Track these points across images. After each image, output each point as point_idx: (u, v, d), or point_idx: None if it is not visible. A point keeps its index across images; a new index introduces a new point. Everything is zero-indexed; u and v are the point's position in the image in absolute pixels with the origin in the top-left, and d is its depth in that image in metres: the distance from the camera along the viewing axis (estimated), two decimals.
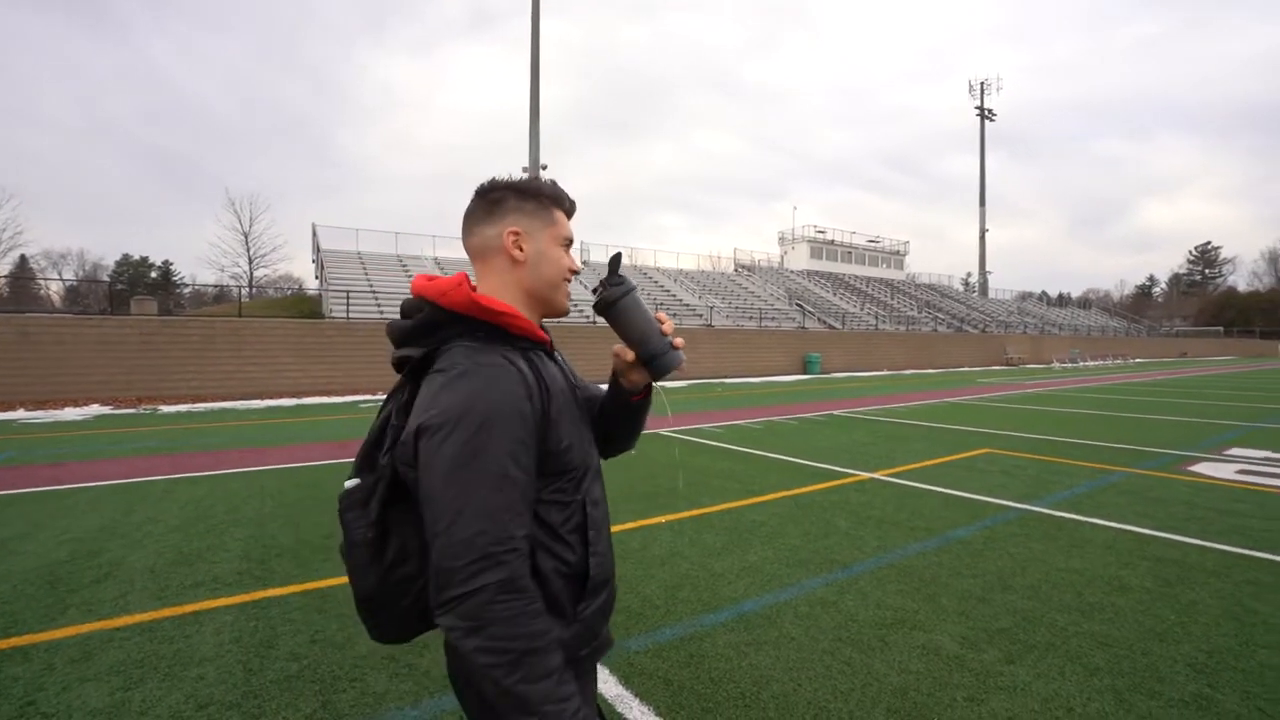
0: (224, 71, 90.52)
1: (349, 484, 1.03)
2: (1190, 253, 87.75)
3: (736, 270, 39.75)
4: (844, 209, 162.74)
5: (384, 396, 1.24)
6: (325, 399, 14.79)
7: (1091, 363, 35.76)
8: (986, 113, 51.10)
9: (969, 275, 57.99)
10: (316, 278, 25.59)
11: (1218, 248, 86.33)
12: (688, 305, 27.66)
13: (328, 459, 7.17)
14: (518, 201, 1.07)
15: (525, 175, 1.18)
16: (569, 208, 1.12)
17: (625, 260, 34.06)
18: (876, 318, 34.27)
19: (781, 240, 46.35)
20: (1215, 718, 2.25)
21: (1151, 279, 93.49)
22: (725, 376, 22.16)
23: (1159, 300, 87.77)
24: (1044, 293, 74.32)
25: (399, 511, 1.00)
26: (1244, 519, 4.68)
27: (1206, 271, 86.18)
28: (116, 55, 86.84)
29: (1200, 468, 6.57)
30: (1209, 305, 75.73)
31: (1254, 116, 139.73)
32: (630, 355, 1.09)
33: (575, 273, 1.13)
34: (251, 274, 41.63)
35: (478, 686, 0.88)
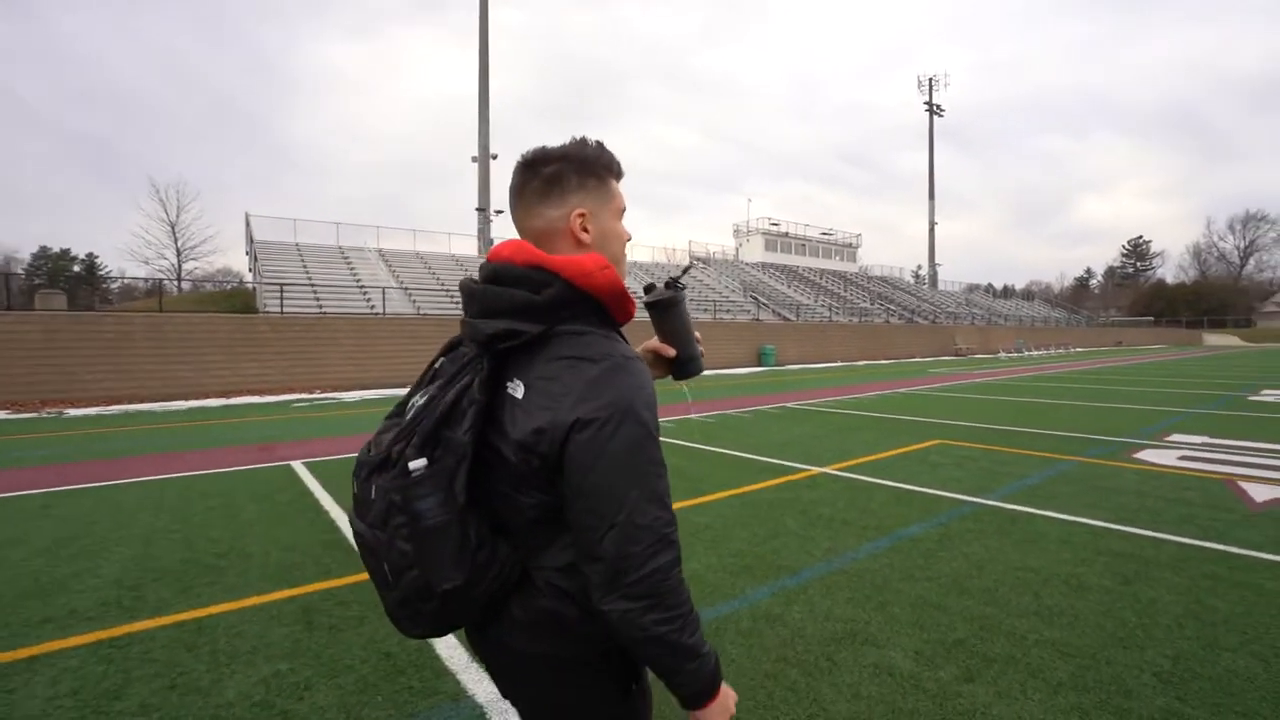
0: (147, 50, 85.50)
1: (416, 464, 0.90)
2: (1124, 246, 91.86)
3: (693, 262, 39.64)
4: (798, 202, 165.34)
5: (321, 394, 1.08)
6: (257, 398, 13.94)
7: (1036, 352, 36.97)
8: (935, 108, 52.26)
9: (919, 267, 59.48)
10: (250, 270, 24.32)
11: (1148, 242, 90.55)
12: (643, 298, 27.35)
13: (246, 464, 6.58)
14: (579, 179, 1.01)
15: (577, 140, 1.04)
16: (622, 173, 1.07)
17: None
18: (830, 309, 34.62)
19: (736, 233, 46.46)
20: None
21: (1089, 271, 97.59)
22: None
23: (1095, 291, 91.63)
24: (990, 284, 76.68)
25: (478, 494, 0.95)
26: (1192, 508, 4.61)
27: (1138, 264, 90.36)
28: (15, 28, 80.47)
29: (1145, 455, 6.58)
30: (1141, 296, 79.45)
31: (1177, 118, 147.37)
32: (670, 352, 1.16)
33: (628, 240, 1.10)
34: (180, 267, 39.37)
35: (644, 654, 0.91)
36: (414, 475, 0.90)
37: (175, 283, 34.90)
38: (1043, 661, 2.49)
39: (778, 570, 3.50)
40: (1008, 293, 75.41)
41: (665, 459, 0.92)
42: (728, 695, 0.96)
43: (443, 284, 23.73)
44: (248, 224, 25.19)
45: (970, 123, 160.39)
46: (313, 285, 20.66)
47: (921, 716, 2.15)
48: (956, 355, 33.96)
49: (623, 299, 0.97)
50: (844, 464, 6.23)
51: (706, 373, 21.58)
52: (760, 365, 24.74)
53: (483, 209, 21.24)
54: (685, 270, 1.24)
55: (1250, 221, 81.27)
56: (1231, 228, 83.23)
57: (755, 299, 32.86)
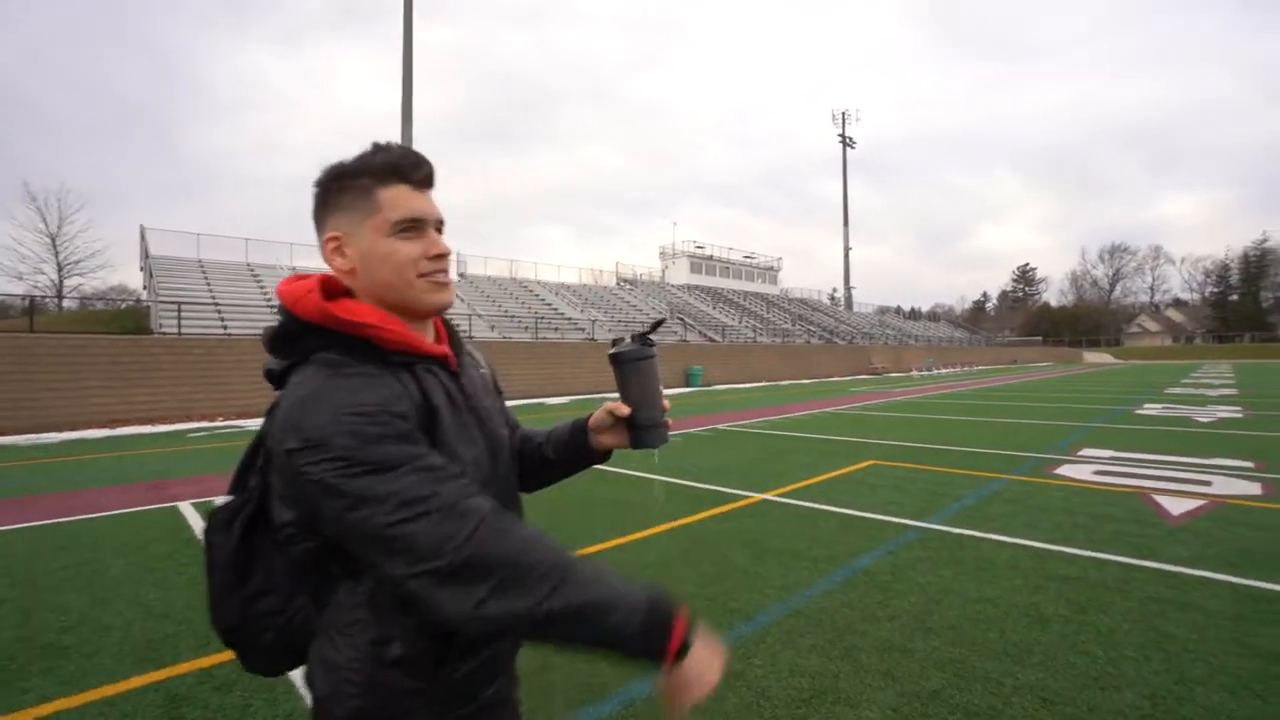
0: (27, 44, 77.84)
1: (219, 501, 0.95)
2: (1014, 272, 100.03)
3: (619, 284, 39.59)
4: (722, 226, 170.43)
5: (225, 422, 1.29)
6: (148, 428, 12.49)
7: (944, 370, 39.12)
8: (848, 140, 55.11)
9: (835, 290, 62.08)
10: (144, 287, 22.12)
11: (1034, 268, 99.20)
12: (570, 319, 26.95)
13: (124, 506, 5.69)
14: (336, 197, 0.89)
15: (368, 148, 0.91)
16: (413, 175, 0.89)
17: (505, 274, 32.88)
18: (754, 330, 35.37)
19: (663, 255, 46.93)
20: None
21: (985, 295, 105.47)
22: (609, 392, 21.48)
23: (991, 313, 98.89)
24: (899, 307, 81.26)
25: (265, 538, 0.91)
26: (1119, 524, 4.70)
27: (1026, 289, 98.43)
28: None
29: (1063, 470, 6.81)
30: (1029, 318, 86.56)
31: (1059, 157, 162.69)
32: (625, 412, 1.07)
33: (439, 256, 0.91)
34: (61, 283, 35.53)
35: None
36: (212, 510, 0.95)
37: (55, 300, 31.34)
38: (1026, 712, 2.31)
39: (732, 615, 3.21)
40: (915, 314, 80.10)
41: (438, 459, 0.82)
42: (704, 646, 0.82)
43: None
44: (143, 237, 22.97)
45: (881, 155, 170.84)
46: (217, 304, 19.00)
47: None
48: (873, 374, 35.40)
49: (351, 324, 0.85)
50: (784, 489, 6.07)
51: None
52: (688, 386, 24.81)
53: None
54: (656, 326, 1.10)
55: (1116, 252, 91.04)
56: (1101, 257, 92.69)
57: (682, 320, 33.12)
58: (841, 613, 3.21)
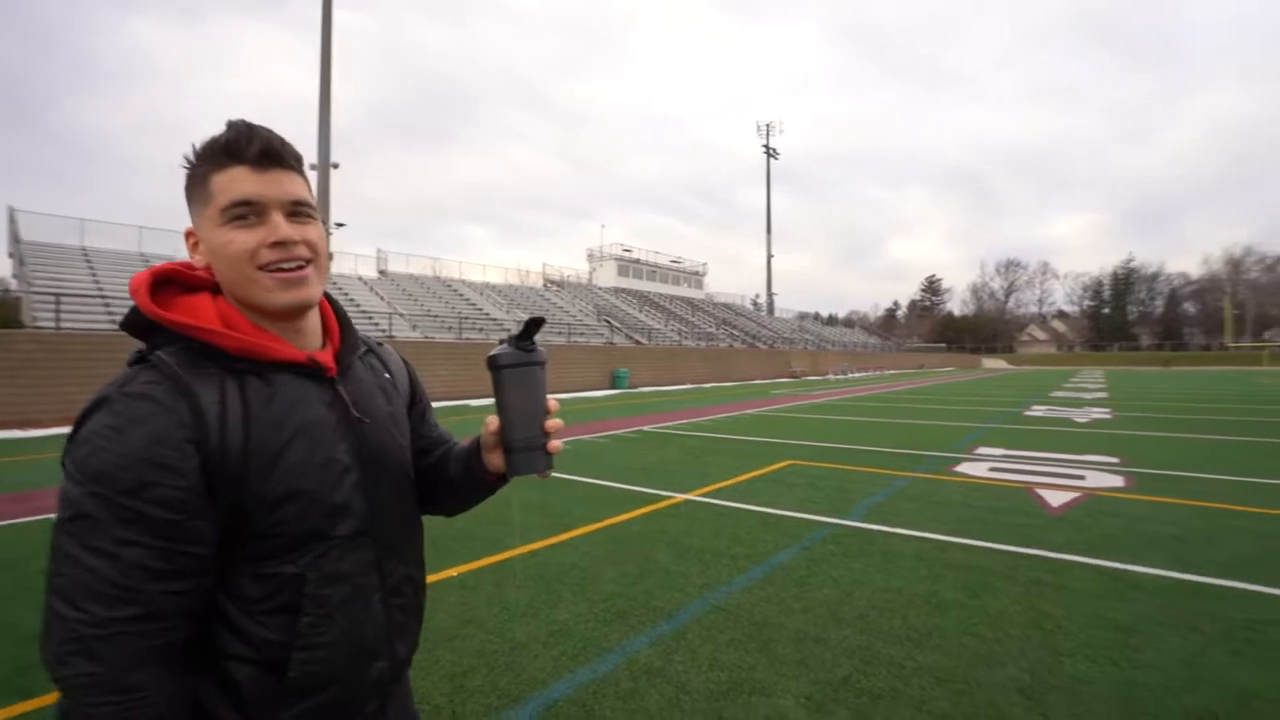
0: None
1: None
2: (922, 283, 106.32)
3: (545, 285, 39.24)
4: (650, 231, 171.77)
5: None
6: (18, 432, 11.29)
7: (858, 374, 41.08)
8: (772, 152, 57.01)
9: (757, 296, 63.96)
10: (14, 276, 20.00)
11: (940, 279, 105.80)
12: (495, 320, 26.48)
13: None
14: (188, 190, 0.82)
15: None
16: (244, 153, 0.79)
17: (428, 272, 31.87)
18: (679, 334, 35.92)
19: (590, 257, 46.88)
20: None
21: (896, 303, 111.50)
22: None
23: (901, 321, 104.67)
24: (818, 313, 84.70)
25: None
26: (1008, 516, 5.12)
27: (933, 299, 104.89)
28: None
29: (962, 468, 7.33)
30: (935, 326, 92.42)
31: (963, 176, 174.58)
32: (494, 427, 0.92)
33: (279, 243, 0.80)
34: None
35: None
36: None
37: None
38: (923, 692, 2.48)
39: (654, 614, 3.27)
40: (832, 321, 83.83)
41: (161, 535, 0.73)
42: None
43: None
44: (12, 221, 20.70)
45: (803, 167, 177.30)
46: (104, 297, 17.35)
47: None
48: (792, 377, 36.71)
49: (181, 325, 0.79)
50: (706, 489, 6.22)
51: (560, 395, 21.50)
52: (614, 388, 24.88)
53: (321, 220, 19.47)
54: (530, 326, 0.87)
55: (1010, 266, 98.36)
56: (998, 270, 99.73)
57: (608, 322, 33.18)
58: (759, 607, 3.34)
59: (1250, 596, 3.45)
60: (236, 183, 0.79)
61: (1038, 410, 14.89)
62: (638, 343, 31.13)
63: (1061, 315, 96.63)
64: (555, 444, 0.91)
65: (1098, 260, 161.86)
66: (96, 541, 0.70)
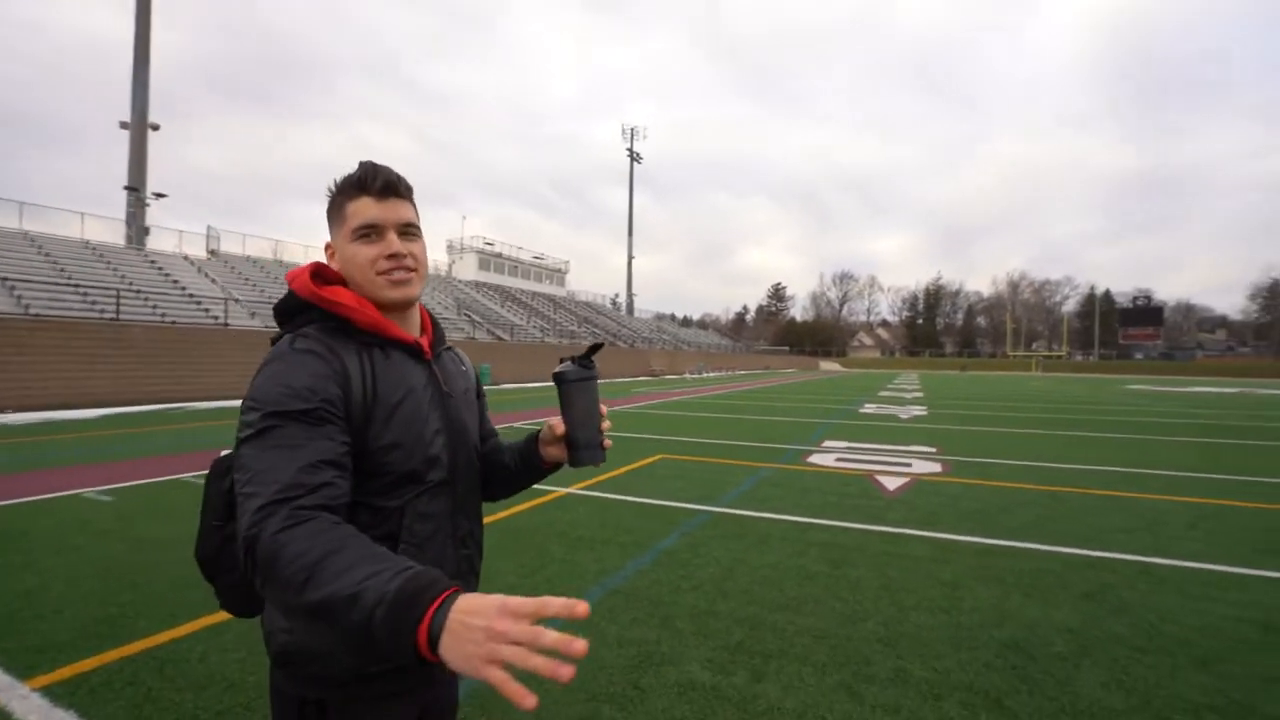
0: None
1: (224, 453, 1.07)
2: (769, 289, 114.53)
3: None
4: (512, 225, 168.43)
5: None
6: None
7: (712, 374, 43.40)
8: (635, 155, 58.34)
9: (616, 295, 65.20)
10: None
11: (784, 286, 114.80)
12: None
13: None
14: (328, 214, 1.07)
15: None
16: (371, 186, 1.03)
17: (268, 254, 28.97)
18: (541, 331, 35.73)
19: (450, 249, 45.13)
20: (912, 687, 2.54)
21: (745, 308, 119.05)
22: None
23: (750, 325, 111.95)
24: (674, 314, 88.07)
25: None
26: (856, 499, 5.85)
27: (778, 304, 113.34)
28: None
29: (813, 459, 8.17)
30: (779, 330, 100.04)
31: (803, 191, 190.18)
32: (560, 430, 1.13)
33: (393, 255, 1.03)
34: None
35: (316, 636, 0.95)
36: (215, 460, 1.10)
37: None
38: (805, 649, 2.86)
39: None
40: (688, 322, 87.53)
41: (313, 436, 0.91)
42: (467, 613, 0.66)
43: (69, 276, 17.91)
44: None
45: (664, 172, 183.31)
46: None
47: None
48: (652, 376, 37.96)
49: (330, 303, 1.01)
50: (586, 483, 6.40)
51: None
52: None
53: (135, 189, 16.86)
54: (592, 350, 1.14)
55: (844, 278, 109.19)
56: (834, 281, 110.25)
57: (469, 317, 32.18)
58: (653, 588, 3.59)
59: (1034, 553, 4.29)
60: (363, 209, 1.03)
61: (869, 408, 16.79)
62: (500, 339, 30.53)
63: (885, 324, 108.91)
64: (608, 442, 1.16)
65: (914, 276, 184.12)
66: (277, 442, 0.88)
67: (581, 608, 0.66)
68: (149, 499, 5.49)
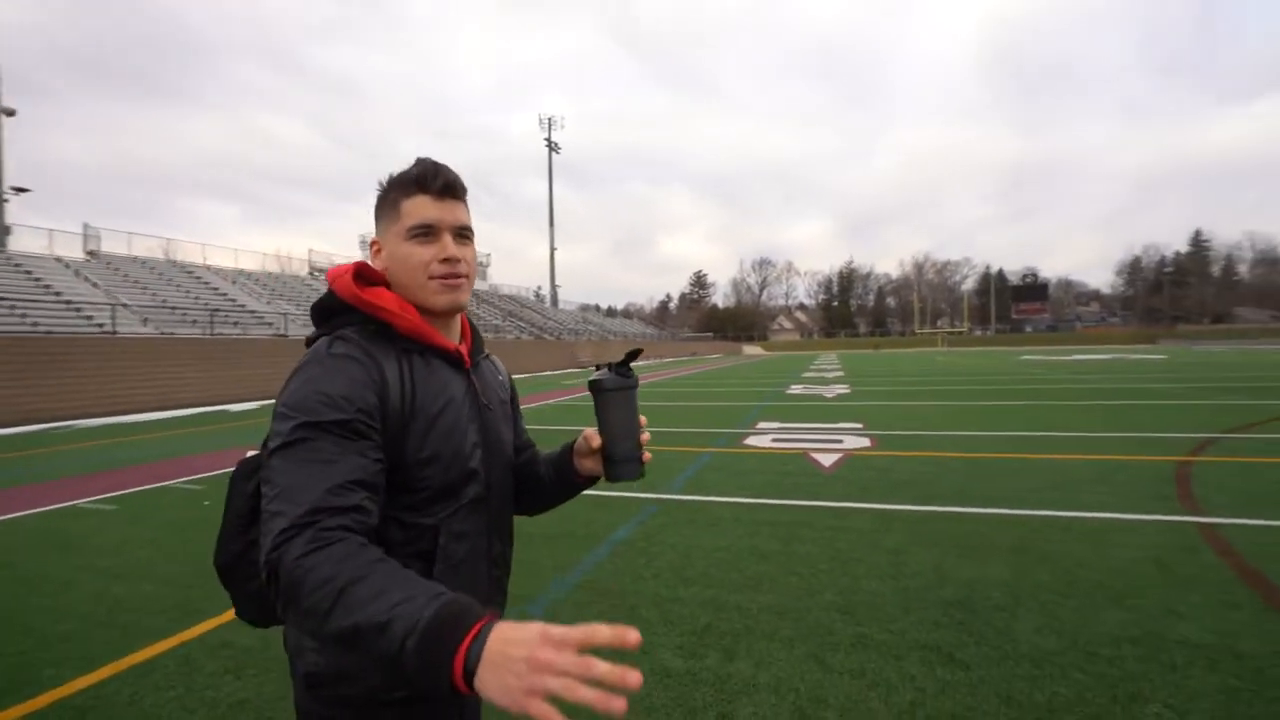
0: None
1: (250, 454, 1.02)
2: (691, 277, 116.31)
3: (312, 274, 35.19)
4: None
5: None
6: None
7: (639, 363, 43.63)
8: (553, 145, 57.53)
9: (539, 288, 64.34)
10: None
11: (706, 274, 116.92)
12: (255, 312, 23.10)
13: None
14: (378, 207, 1.03)
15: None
16: (430, 185, 0.99)
17: (162, 255, 26.74)
18: None
19: (363, 244, 43.03)
20: (874, 650, 2.67)
21: (669, 296, 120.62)
22: None
23: (673, 312, 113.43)
24: (598, 305, 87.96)
25: None
26: (795, 477, 6.07)
27: (700, 292, 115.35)
28: None
29: (750, 441, 8.40)
30: (703, 317, 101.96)
31: (723, 181, 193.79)
32: (597, 443, 1.09)
33: (449, 259, 0.99)
34: None
35: (348, 660, 0.90)
36: (240, 460, 1.03)
37: None
38: (770, 625, 2.95)
39: (519, 601, 3.34)
40: (612, 312, 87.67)
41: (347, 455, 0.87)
42: (508, 642, 0.63)
43: None
44: None
45: (582, 162, 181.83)
46: None
47: (712, 707, 2.32)
48: (579, 367, 37.78)
49: (373, 306, 0.97)
50: None
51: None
52: None
53: None
54: (631, 355, 1.06)
55: (763, 264, 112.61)
56: (753, 267, 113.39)
57: None
58: (615, 579, 3.60)
59: (964, 516, 4.60)
60: (420, 209, 0.99)
61: (796, 389, 17.40)
62: None
63: (802, 307, 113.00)
64: (648, 455, 1.10)
65: (828, 260, 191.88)
66: (308, 455, 0.83)
67: (633, 636, 0.63)
68: (34, 533, 4.97)
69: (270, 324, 22.37)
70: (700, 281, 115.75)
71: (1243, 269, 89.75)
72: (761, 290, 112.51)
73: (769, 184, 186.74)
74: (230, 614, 3.22)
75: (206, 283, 24.98)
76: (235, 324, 20.99)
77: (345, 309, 0.99)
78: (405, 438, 0.93)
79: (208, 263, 27.96)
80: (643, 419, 1.09)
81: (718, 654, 2.70)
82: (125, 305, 18.84)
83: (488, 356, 1.18)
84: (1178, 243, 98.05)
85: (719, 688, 2.44)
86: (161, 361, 15.97)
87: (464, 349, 1.07)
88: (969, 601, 3.14)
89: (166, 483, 6.59)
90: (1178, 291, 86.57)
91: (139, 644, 2.93)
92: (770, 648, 2.74)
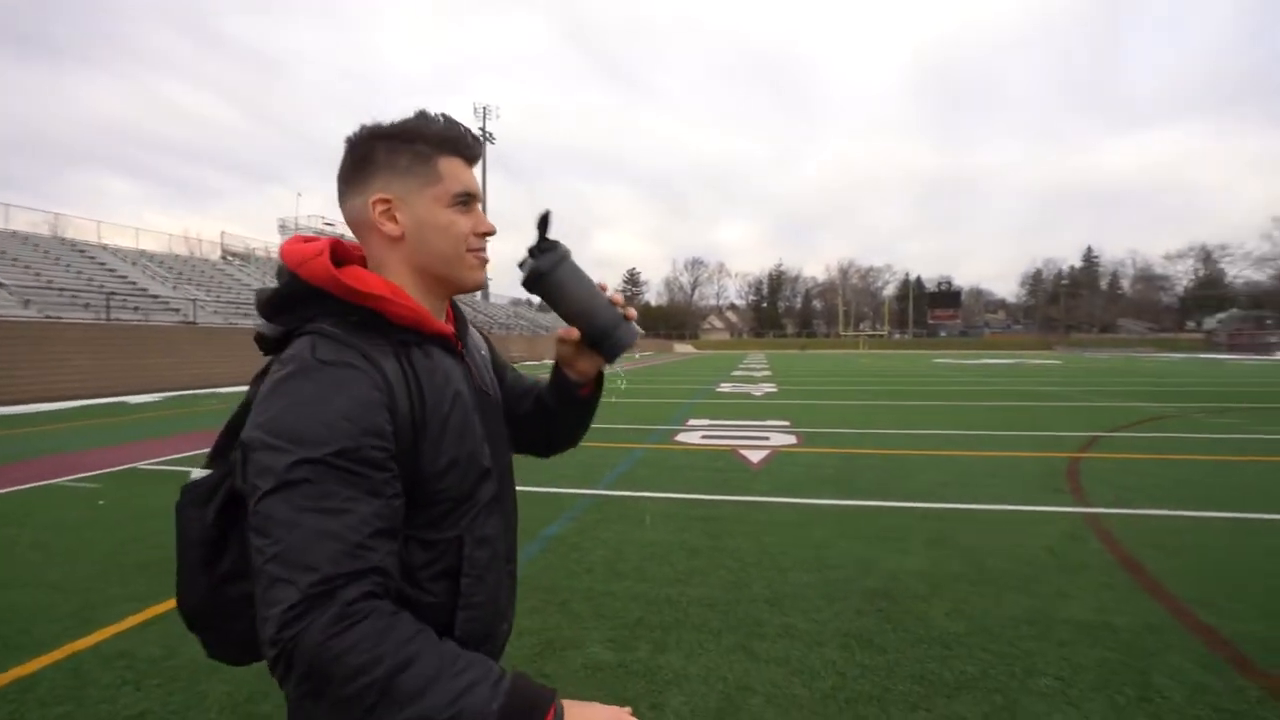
0: None
1: (196, 475, 0.85)
2: (625, 274, 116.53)
3: (225, 258, 33.00)
4: None
5: None
6: None
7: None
8: (488, 135, 56.27)
9: None
10: None
11: (639, 272, 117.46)
12: (158, 297, 21.45)
13: None
14: (387, 157, 0.85)
15: (418, 112, 0.89)
16: (468, 151, 0.89)
17: (44, 230, 24.42)
18: None
19: (283, 229, 40.67)
20: (799, 639, 2.78)
21: None
22: (219, 386, 18.03)
23: None
24: (530, 300, 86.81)
25: (243, 517, 0.77)
26: (725, 473, 6.21)
27: (634, 289, 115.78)
28: None
29: (681, 437, 8.53)
30: (636, 314, 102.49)
31: (658, 181, 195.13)
32: (576, 335, 0.97)
33: (487, 234, 0.91)
34: None
35: None
36: (188, 484, 0.85)
37: None
38: (700, 618, 3.02)
39: None
40: (543, 307, 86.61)
41: (358, 494, 0.73)
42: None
43: None
44: None
45: (516, 153, 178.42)
46: None
47: (643, 698, 2.35)
48: (512, 362, 37.16)
49: (361, 294, 0.81)
50: None
51: (244, 388, 18.20)
52: None
53: None
54: (542, 223, 0.92)
55: (695, 264, 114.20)
56: (686, 267, 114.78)
57: None
58: (547, 575, 3.58)
59: (884, 509, 4.85)
60: (463, 174, 0.88)
61: (725, 387, 17.78)
62: None
63: (733, 307, 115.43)
64: (630, 311, 0.97)
65: (759, 262, 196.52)
66: (316, 502, 0.70)
67: None
68: None
69: (177, 310, 20.85)
70: (634, 279, 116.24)
71: (1125, 284, 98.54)
72: (694, 290, 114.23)
73: (704, 185, 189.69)
74: (132, 621, 3.00)
75: (102, 263, 22.98)
76: (136, 309, 19.44)
77: (316, 297, 0.82)
78: (420, 449, 0.80)
79: (103, 242, 25.75)
80: (602, 283, 0.96)
81: (649, 646, 2.74)
82: (3, 285, 17.10)
83: (470, 334, 1.06)
84: (1073, 258, 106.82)
85: (650, 679, 2.48)
86: (46, 347, 14.59)
87: (452, 331, 0.95)
88: (889, 591, 3.32)
89: (53, 480, 6.04)
90: (1072, 303, 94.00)
91: (22, 657, 2.68)
92: (700, 639, 2.81)
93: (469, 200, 0.88)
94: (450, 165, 0.87)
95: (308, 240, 0.85)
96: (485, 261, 0.92)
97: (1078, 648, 2.70)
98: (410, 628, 0.70)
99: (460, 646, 0.78)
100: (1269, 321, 62.39)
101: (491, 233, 0.91)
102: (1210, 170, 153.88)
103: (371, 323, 0.82)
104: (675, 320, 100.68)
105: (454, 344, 0.93)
